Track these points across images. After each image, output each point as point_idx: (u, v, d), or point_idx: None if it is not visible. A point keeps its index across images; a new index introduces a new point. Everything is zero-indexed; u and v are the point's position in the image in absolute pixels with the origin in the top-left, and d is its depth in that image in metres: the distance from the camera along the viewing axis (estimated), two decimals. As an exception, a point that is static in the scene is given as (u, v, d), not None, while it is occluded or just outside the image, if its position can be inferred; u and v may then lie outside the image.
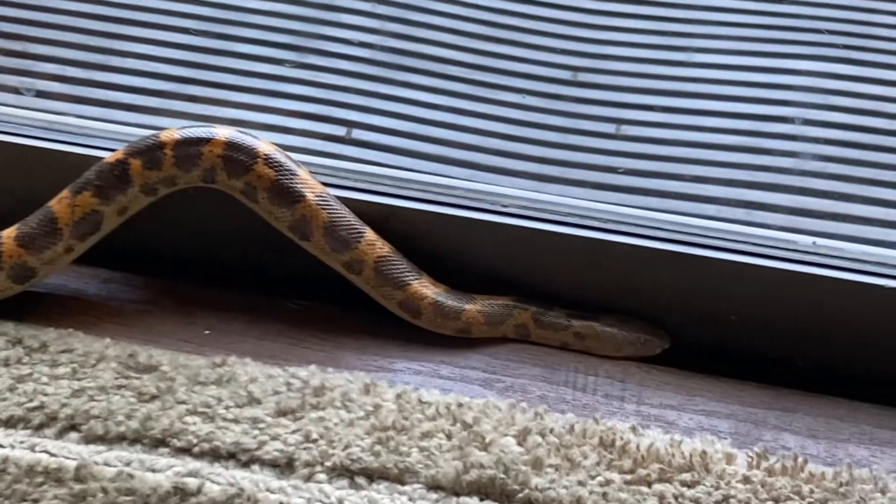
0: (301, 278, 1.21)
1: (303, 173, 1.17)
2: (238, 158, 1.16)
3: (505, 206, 1.20)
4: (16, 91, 1.73)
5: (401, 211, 1.19)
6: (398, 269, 1.19)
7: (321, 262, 1.20)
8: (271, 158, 1.16)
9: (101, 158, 1.20)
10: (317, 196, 1.16)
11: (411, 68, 1.90)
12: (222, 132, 1.17)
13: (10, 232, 1.16)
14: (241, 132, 1.17)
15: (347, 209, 1.18)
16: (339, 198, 1.20)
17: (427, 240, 1.20)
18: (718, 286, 1.18)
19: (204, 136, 1.17)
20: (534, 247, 1.19)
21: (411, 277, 1.19)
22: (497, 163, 1.79)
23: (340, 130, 1.80)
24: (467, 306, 1.19)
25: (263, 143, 1.17)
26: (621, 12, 2.03)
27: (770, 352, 1.19)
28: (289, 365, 1.16)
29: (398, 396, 1.13)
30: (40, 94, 1.73)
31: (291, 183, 1.16)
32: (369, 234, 1.18)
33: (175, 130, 1.17)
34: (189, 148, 1.16)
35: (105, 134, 1.25)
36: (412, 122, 1.84)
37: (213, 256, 1.24)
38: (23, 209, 1.20)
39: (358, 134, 1.79)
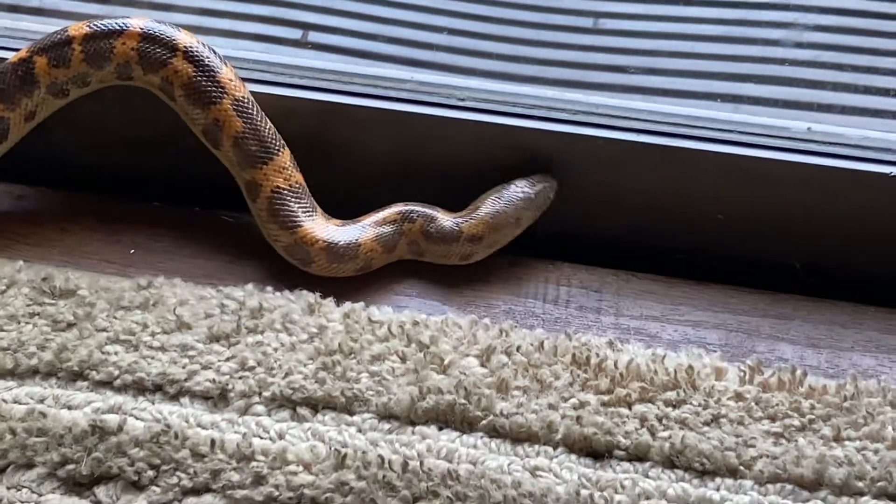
0: (238, 189, 1.07)
1: (227, 71, 1.04)
2: (154, 51, 1.02)
3: (462, 100, 1.06)
4: None
5: (345, 108, 1.05)
6: (292, 207, 1.05)
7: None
8: (192, 52, 1.02)
9: (3, 60, 1.06)
10: (235, 101, 1.03)
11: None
12: (137, 23, 1.04)
13: None
14: (158, 22, 1.03)
15: (268, 122, 1.04)
16: (276, 96, 1.06)
17: (374, 141, 1.06)
18: (702, 181, 1.05)
19: (116, 27, 1.03)
20: (494, 143, 1.06)
21: (304, 218, 1.04)
22: (466, 63, 1.66)
23: (296, 33, 1.66)
24: (361, 237, 1.05)
25: (184, 35, 1.03)
26: None
27: (763, 254, 1.07)
28: (223, 285, 1.03)
29: (346, 316, 1.01)
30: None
31: (210, 82, 1.03)
32: (282, 157, 1.04)
33: (85, 24, 1.03)
34: (100, 42, 1.03)
35: (12, 33, 1.10)
36: (372, 21, 1.70)
37: (138, 166, 1.12)
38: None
39: (315, 37, 1.66)
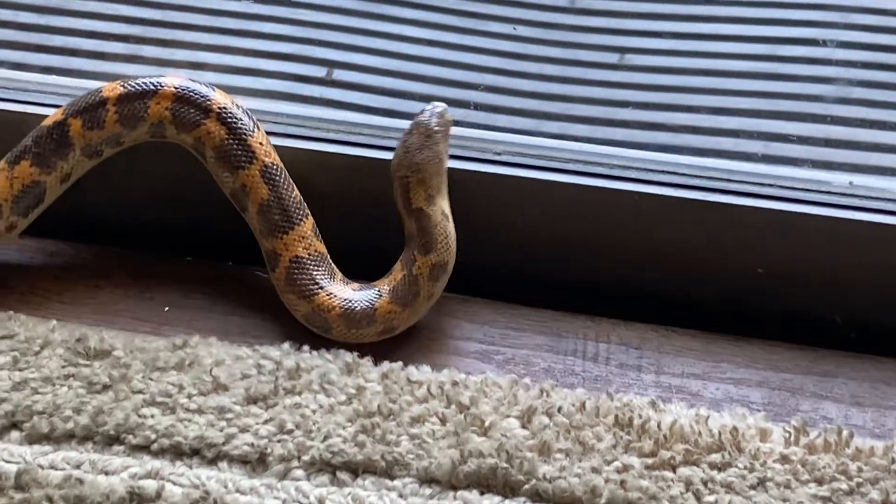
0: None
1: (258, 135, 1.03)
2: (188, 112, 1.02)
3: (498, 154, 1.05)
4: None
5: (374, 164, 1.04)
6: (310, 275, 1.03)
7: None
8: (225, 114, 1.02)
9: (42, 116, 1.06)
10: (264, 167, 1.03)
11: (393, 0, 1.75)
12: (171, 82, 1.03)
13: None
14: (192, 81, 1.02)
15: (294, 189, 1.04)
16: (309, 151, 1.06)
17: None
18: (742, 236, 1.04)
19: (150, 87, 1.02)
20: (530, 197, 1.05)
21: (322, 285, 1.03)
22: (491, 100, 1.66)
23: (320, 71, 1.66)
24: (377, 300, 1.03)
25: (218, 95, 1.03)
26: (615, -72, 1.88)
27: (804, 309, 1.05)
28: (259, 344, 1.02)
29: (384, 376, 1.00)
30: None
31: (240, 147, 1.02)
32: (304, 226, 1.03)
33: (118, 83, 1.03)
34: (134, 102, 1.03)
35: (46, 88, 1.10)
36: (397, 59, 1.70)
37: (170, 221, 1.11)
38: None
39: (339, 74, 1.65)
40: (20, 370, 1.00)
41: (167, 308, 1.07)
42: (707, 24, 1.72)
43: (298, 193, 1.04)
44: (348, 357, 1.01)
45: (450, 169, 1.06)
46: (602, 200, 1.04)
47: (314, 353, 1.02)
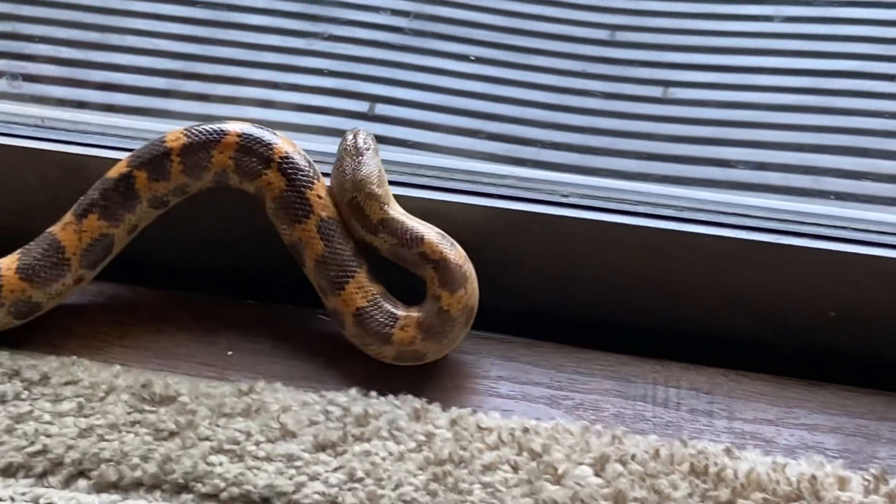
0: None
1: (317, 187, 1.02)
2: (250, 162, 1.02)
3: (565, 196, 1.04)
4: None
5: (443, 207, 1.03)
6: (379, 319, 1.03)
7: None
8: (286, 164, 1.01)
9: (103, 159, 1.05)
10: (321, 222, 1.02)
11: (436, 34, 1.75)
12: (234, 129, 1.02)
13: (10, 262, 1.02)
14: (255, 127, 1.01)
15: (350, 241, 1.03)
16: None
17: (474, 239, 1.04)
18: (813, 278, 1.02)
19: (214, 136, 1.02)
20: (599, 240, 1.04)
21: (394, 321, 1.03)
22: (535, 134, 1.65)
23: (363, 106, 1.65)
24: (440, 303, 1.03)
25: (281, 142, 1.02)
26: (658, -40, 1.87)
27: (878, 352, 1.03)
28: (325, 389, 1.01)
29: (453, 422, 0.99)
30: (28, 77, 1.58)
31: (299, 199, 1.01)
32: (360, 275, 1.03)
33: (182, 132, 1.02)
34: (198, 153, 1.02)
35: (105, 130, 1.09)
36: (439, 93, 1.69)
37: (231, 264, 1.09)
38: (18, 219, 1.08)
39: (382, 109, 1.64)
40: (86, 416, 0.99)
41: (230, 352, 1.05)
42: (752, 57, 1.71)
43: (355, 245, 1.03)
44: (416, 403, 1.00)
45: (515, 211, 1.05)
46: (673, 243, 1.03)
47: (381, 398, 1.01)
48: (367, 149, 1.03)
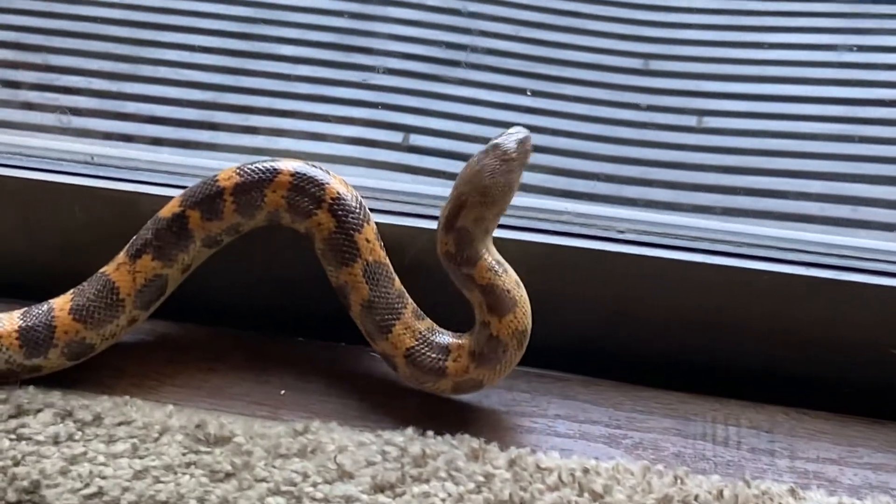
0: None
1: (366, 230, 1.01)
2: (302, 202, 1.01)
3: (621, 232, 1.03)
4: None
5: (498, 244, 1.02)
6: (431, 356, 1.02)
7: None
8: (338, 205, 1.00)
9: (152, 196, 1.05)
10: (366, 266, 1.01)
11: (467, 63, 1.74)
12: (287, 167, 1.01)
13: (64, 302, 1.01)
14: (308, 165, 1.01)
15: (395, 281, 1.02)
16: (415, 228, 1.04)
17: (529, 275, 1.03)
18: (874, 315, 1.01)
19: (267, 174, 1.01)
20: (657, 277, 1.03)
21: (446, 354, 1.01)
22: (569, 164, 1.64)
23: (397, 136, 1.65)
24: (490, 328, 1.01)
25: (334, 182, 1.01)
26: (691, -10, 1.87)
27: (940, 389, 1.02)
28: (381, 428, 1.00)
29: (512, 462, 0.97)
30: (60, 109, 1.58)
31: (347, 242, 1.00)
32: (406, 315, 1.02)
33: (234, 171, 1.01)
34: (251, 192, 1.01)
35: (154, 166, 1.08)
36: (472, 122, 1.69)
37: (283, 302, 1.08)
38: (68, 257, 1.08)
39: (415, 139, 1.64)
40: (140, 458, 0.98)
41: (283, 391, 1.04)
42: (786, 86, 1.71)
43: (399, 284, 1.02)
44: (474, 442, 0.99)
45: (569, 248, 1.04)
46: (730, 280, 1.02)
47: (438, 437, 1.00)
48: (514, 159, 0.99)
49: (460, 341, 1.01)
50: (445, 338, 1.01)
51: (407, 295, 1.02)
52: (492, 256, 1.00)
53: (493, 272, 0.99)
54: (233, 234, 1.02)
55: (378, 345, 1.02)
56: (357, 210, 1.01)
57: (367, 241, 1.01)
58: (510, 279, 1.00)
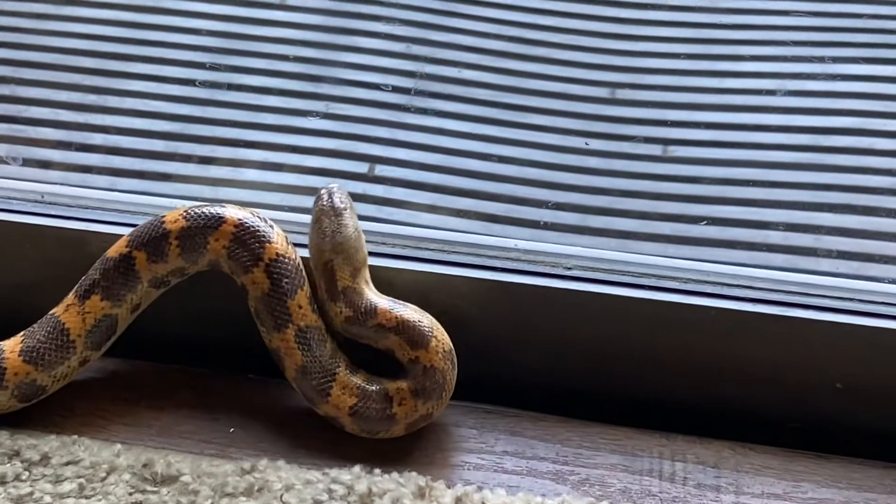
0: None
1: (300, 296, 1.01)
2: (242, 256, 1.01)
3: (569, 269, 1.04)
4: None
5: (446, 280, 1.02)
6: (376, 409, 1.02)
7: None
8: (275, 266, 1.00)
9: (101, 234, 1.06)
10: (300, 331, 1.01)
11: (434, 93, 1.74)
12: (232, 216, 1.01)
13: (14, 344, 1.01)
14: (255, 217, 1.01)
15: (328, 341, 1.02)
16: (374, 267, 1.05)
17: (478, 312, 1.03)
18: (819, 350, 1.02)
19: (212, 220, 1.01)
20: (603, 313, 1.03)
21: (391, 403, 1.03)
22: (535, 194, 1.64)
23: (362, 167, 1.65)
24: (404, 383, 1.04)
25: (275, 239, 1.01)
26: (658, 20, 1.88)
27: (886, 425, 1.03)
28: (329, 467, 1.00)
29: (458, 500, 0.99)
30: (28, 141, 1.58)
31: (280, 307, 1.01)
32: (341, 375, 1.02)
33: (181, 214, 1.01)
34: (195, 237, 1.01)
35: (104, 205, 1.09)
36: (439, 153, 1.69)
37: (232, 339, 1.08)
38: (17, 294, 1.08)
39: (381, 170, 1.64)
40: (87, 498, 0.99)
41: (232, 429, 1.05)
42: (752, 114, 1.71)
43: (331, 343, 1.03)
44: (421, 480, 0.99)
45: (517, 285, 1.04)
46: (677, 316, 1.03)
47: (385, 476, 1.00)
48: (345, 209, 1.03)
49: (399, 384, 1.01)
50: (383, 384, 1.02)
51: (339, 351, 1.03)
52: (384, 298, 1.02)
53: (395, 310, 1.01)
54: (179, 276, 1.02)
55: (321, 409, 1.03)
56: (293, 274, 1.01)
57: (300, 307, 1.01)
58: (411, 309, 1.02)
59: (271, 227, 1.01)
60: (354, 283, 1.01)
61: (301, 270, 1.01)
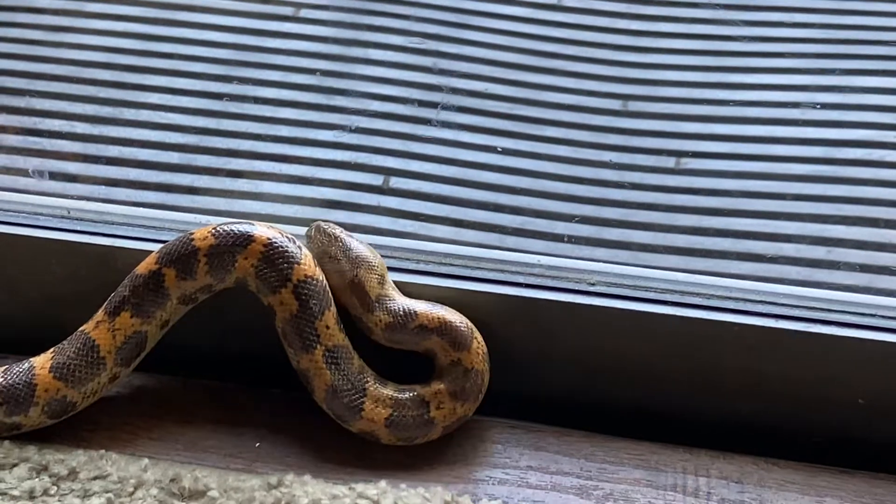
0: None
1: (327, 317, 1.02)
2: (269, 276, 1.01)
3: (592, 284, 1.04)
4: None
5: (470, 296, 1.03)
6: (411, 423, 1.03)
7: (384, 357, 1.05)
8: (302, 287, 1.01)
9: (128, 250, 1.07)
10: (327, 352, 1.02)
11: (448, 105, 1.75)
12: (261, 234, 1.02)
13: (44, 361, 1.02)
14: (284, 237, 1.02)
15: (355, 358, 1.03)
16: (395, 282, 1.05)
17: (502, 328, 1.04)
18: (843, 366, 1.02)
19: (241, 238, 1.02)
20: (626, 328, 1.04)
21: (429, 412, 1.03)
22: (549, 206, 1.65)
23: (377, 179, 1.66)
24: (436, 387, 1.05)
25: (304, 261, 1.02)
26: (670, 32, 1.90)
27: (909, 439, 1.03)
28: (354, 481, 1.01)
29: (484, 515, 0.98)
30: (43, 153, 1.59)
31: (308, 328, 1.01)
32: (372, 389, 1.03)
33: (210, 231, 1.02)
34: (223, 255, 1.02)
35: (130, 220, 1.09)
36: (453, 165, 1.70)
37: (258, 354, 1.08)
38: (45, 309, 1.09)
39: (396, 182, 1.65)
40: (115, 513, 0.99)
41: (258, 443, 1.05)
42: (765, 127, 1.72)
43: (358, 359, 1.04)
44: (447, 495, 1.00)
45: (542, 300, 1.05)
46: (700, 331, 1.03)
47: (411, 490, 1.01)
48: (340, 232, 1.05)
49: (436, 388, 1.02)
50: (415, 391, 1.02)
51: (366, 367, 1.03)
52: (419, 301, 1.04)
53: (436, 311, 1.03)
54: (207, 293, 1.03)
55: (354, 426, 1.03)
56: (321, 295, 1.02)
57: (328, 327, 1.02)
58: (447, 310, 1.04)
59: (300, 248, 1.02)
60: (384, 290, 1.02)
61: (328, 291, 1.02)
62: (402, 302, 1.03)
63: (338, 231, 1.05)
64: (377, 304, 1.02)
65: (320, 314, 1.01)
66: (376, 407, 1.02)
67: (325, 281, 1.02)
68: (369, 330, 1.03)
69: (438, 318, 1.02)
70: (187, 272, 1.01)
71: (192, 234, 1.02)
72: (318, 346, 1.01)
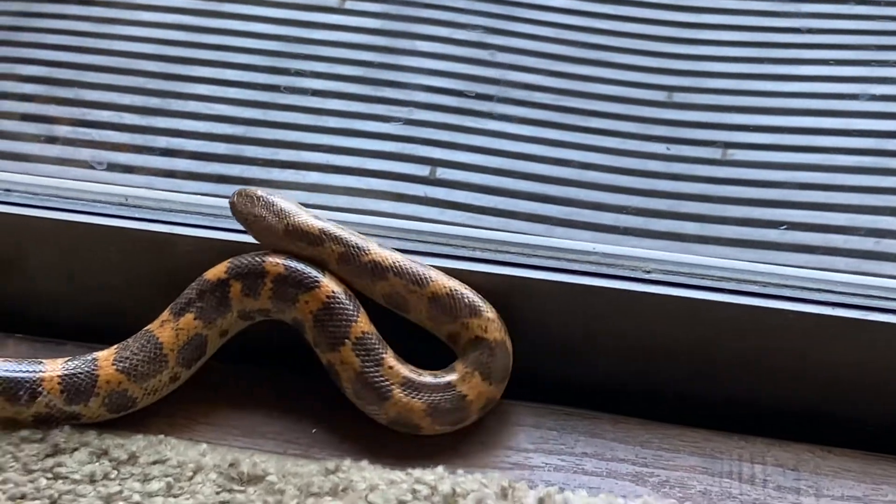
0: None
1: (388, 357, 1.04)
2: (327, 329, 1.03)
3: (648, 273, 1.05)
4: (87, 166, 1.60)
5: (527, 283, 1.04)
6: (445, 397, 1.04)
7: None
8: (361, 344, 1.03)
9: (187, 238, 1.09)
10: (402, 385, 1.04)
11: (495, 97, 1.76)
12: (327, 285, 1.04)
13: (108, 355, 1.03)
14: (346, 294, 1.04)
15: (385, 361, 1.03)
16: (445, 269, 1.06)
17: (559, 315, 1.04)
18: (897, 354, 1.02)
19: (308, 280, 1.04)
20: (682, 316, 1.04)
21: (456, 391, 1.04)
22: (596, 197, 1.65)
23: (424, 170, 1.66)
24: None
25: (361, 318, 1.03)
26: (716, 24, 1.89)
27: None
28: (412, 466, 1.01)
29: (541, 501, 1.00)
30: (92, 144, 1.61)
31: (377, 378, 1.04)
32: (393, 365, 1.04)
33: (282, 263, 1.04)
34: (288, 288, 1.04)
35: (187, 208, 1.11)
36: (500, 156, 1.70)
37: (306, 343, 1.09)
38: (102, 297, 1.10)
39: (442, 173, 1.65)
40: (175, 496, 1.00)
41: (315, 429, 1.06)
42: (811, 118, 1.71)
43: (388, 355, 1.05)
44: (504, 481, 1.01)
45: (598, 288, 1.06)
46: (756, 319, 1.03)
47: (468, 476, 1.01)
48: (262, 192, 1.06)
49: (463, 369, 1.04)
50: (441, 376, 1.04)
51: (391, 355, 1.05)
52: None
53: (394, 254, 1.06)
54: (264, 316, 1.05)
55: (384, 411, 1.05)
56: (378, 346, 1.04)
57: (391, 367, 1.04)
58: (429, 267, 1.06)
59: (359, 307, 1.04)
60: (326, 226, 1.05)
61: (381, 339, 1.04)
62: (356, 238, 1.04)
63: (259, 192, 1.06)
64: (325, 237, 1.03)
65: (382, 359, 1.04)
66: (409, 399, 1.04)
67: (376, 332, 1.04)
68: (324, 263, 1.04)
69: (393, 258, 1.04)
70: (252, 290, 1.03)
71: (265, 255, 1.04)
72: (394, 390, 1.03)
